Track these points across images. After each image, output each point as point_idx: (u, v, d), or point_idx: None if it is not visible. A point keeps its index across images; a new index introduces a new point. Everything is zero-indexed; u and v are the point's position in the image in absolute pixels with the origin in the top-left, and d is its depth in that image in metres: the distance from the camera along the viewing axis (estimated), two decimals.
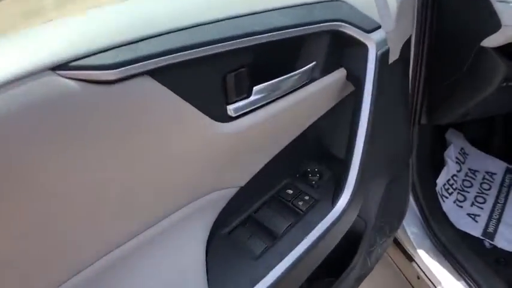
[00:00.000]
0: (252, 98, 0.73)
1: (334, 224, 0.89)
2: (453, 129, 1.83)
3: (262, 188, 0.95)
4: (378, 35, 0.85)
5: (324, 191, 0.97)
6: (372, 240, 1.15)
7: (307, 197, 0.95)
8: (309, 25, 0.76)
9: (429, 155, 1.50)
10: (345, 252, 1.06)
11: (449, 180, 1.65)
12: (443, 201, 1.57)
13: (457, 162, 1.74)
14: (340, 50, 0.87)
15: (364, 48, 0.85)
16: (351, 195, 0.91)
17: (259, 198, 0.94)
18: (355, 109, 0.88)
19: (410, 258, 1.42)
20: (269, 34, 0.70)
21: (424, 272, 1.36)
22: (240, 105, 0.72)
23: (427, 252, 1.37)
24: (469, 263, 1.31)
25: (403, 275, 1.49)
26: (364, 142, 0.88)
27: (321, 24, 0.79)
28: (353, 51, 0.87)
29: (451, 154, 1.72)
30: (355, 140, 0.88)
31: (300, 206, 0.93)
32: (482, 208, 1.64)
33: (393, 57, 0.99)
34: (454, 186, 1.65)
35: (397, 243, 1.46)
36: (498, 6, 1.09)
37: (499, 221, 1.60)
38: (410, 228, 1.43)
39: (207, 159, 0.74)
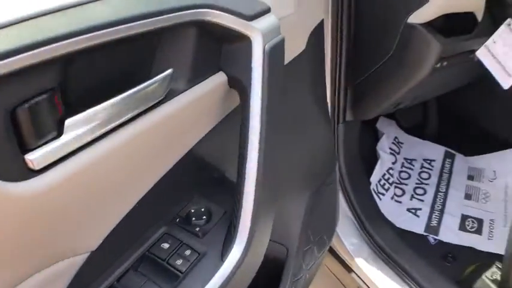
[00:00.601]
0: (66, 136, 0.51)
1: (225, 283, 0.70)
2: (384, 118, 1.74)
3: (126, 245, 0.72)
4: (265, 22, 0.65)
5: (213, 238, 0.74)
6: (297, 268, 1.00)
7: (188, 252, 0.72)
8: (157, 16, 0.56)
9: (359, 152, 1.40)
10: None
11: (384, 175, 1.56)
12: (380, 199, 1.48)
13: (391, 154, 1.66)
14: (214, 47, 0.68)
15: (246, 41, 0.65)
16: (247, 239, 0.71)
17: (123, 261, 0.71)
18: (242, 124, 0.68)
19: (349, 269, 1.33)
20: (90, 35, 0.49)
21: (364, 282, 1.28)
22: (46, 150, 0.49)
23: (366, 260, 1.28)
24: (412, 265, 1.23)
25: (343, 286, 1.40)
26: (258, 164, 0.68)
27: (177, 14, 0.58)
28: (232, 47, 0.68)
29: (383, 146, 1.63)
30: (244, 166, 0.69)
31: (178, 266, 0.70)
32: (422, 200, 1.56)
33: (298, 48, 0.84)
34: (390, 181, 1.57)
35: (335, 253, 1.37)
36: None
37: (442, 212, 1.53)
38: (347, 237, 1.33)
39: (13, 234, 0.51)
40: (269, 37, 0.65)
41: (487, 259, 1.33)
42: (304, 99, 0.95)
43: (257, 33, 0.64)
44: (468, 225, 1.49)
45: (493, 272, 1.25)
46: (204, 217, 0.77)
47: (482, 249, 1.40)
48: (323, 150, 1.10)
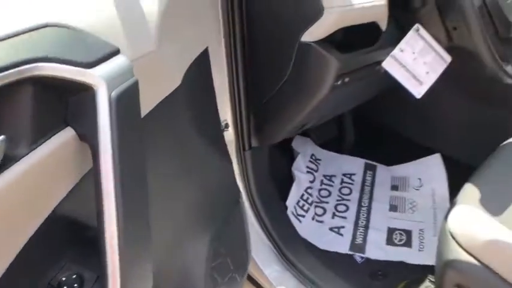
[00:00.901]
0: None
1: None
2: (299, 136, 1.71)
3: None
4: (110, 67, 0.59)
5: None
6: None
7: None
8: None
9: (273, 177, 1.35)
10: None
11: (302, 195, 1.51)
12: (300, 221, 1.42)
13: (309, 172, 1.61)
14: (59, 101, 0.61)
15: (90, 91, 0.59)
16: None
17: None
18: (95, 188, 0.61)
19: None
20: None
21: None
22: None
23: None
24: None
25: None
26: (119, 231, 0.60)
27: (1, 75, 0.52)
28: (77, 99, 0.60)
29: (299, 166, 1.59)
30: (103, 232, 0.61)
31: None
32: (345, 217, 1.51)
33: (172, 84, 0.77)
34: (309, 201, 1.52)
35: (256, 283, 1.31)
36: None
37: (366, 228, 1.48)
38: (267, 266, 1.27)
39: None
40: (117, 82, 0.58)
41: (420, 273, 1.31)
42: (188, 135, 0.89)
43: (99, 81, 0.57)
44: (396, 239, 1.45)
45: (427, 287, 1.24)
46: (76, 285, 0.69)
47: (414, 263, 1.36)
48: (222, 184, 1.05)
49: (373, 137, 1.86)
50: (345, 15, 1.00)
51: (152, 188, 0.64)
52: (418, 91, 1.16)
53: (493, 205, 1.04)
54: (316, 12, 0.96)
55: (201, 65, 0.89)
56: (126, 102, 0.59)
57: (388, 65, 1.13)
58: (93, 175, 0.59)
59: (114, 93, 0.57)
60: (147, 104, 0.67)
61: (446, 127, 1.74)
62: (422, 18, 1.16)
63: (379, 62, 1.15)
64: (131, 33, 0.65)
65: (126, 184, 0.59)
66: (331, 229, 1.46)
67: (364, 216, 1.52)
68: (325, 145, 1.76)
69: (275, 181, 1.37)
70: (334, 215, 1.52)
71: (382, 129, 1.83)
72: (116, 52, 0.60)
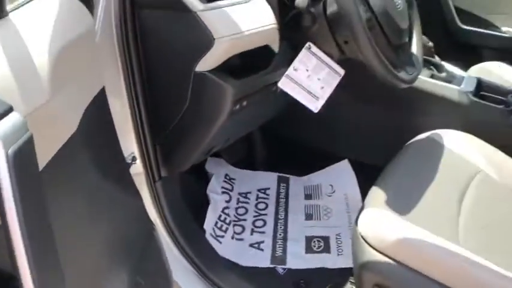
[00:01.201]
0: None
1: None
2: (211, 158, 1.73)
3: None
4: (2, 126, 0.59)
5: None
6: None
7: None
8: None
9: (187, 205, 1.37)
10: None
11: (220, 216, 1.54)
12: (220, 242, 1.44)
13: (224, 193, 1.64)
14: None
15: None
16: None
17: None
18: (5, 238, 0.60)
19: None
20: None
21: None
22: None
23: None
24: None
25: None
26: (33, 277, 0.59)
27: None
28: None
29: (214, 187, 1.62)
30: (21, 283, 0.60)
31: None
32: (264, 232, 1.56)
33: (68, 131, 0.77)
34: (227, 221, 1.55)
35: None
36: (206, 16, 1.00)
37: (285, 239, 1.53)
38: None
39: None
40: (13, 140, 0.58)
41: (342, 276, 1.37)
42: (92, 176, 0.88)
43: None
44: (314, 246, 1.51)
45: None
46: None
47: (335, 267, 1.42)
48: (133, 219, 1.05)
49: (283, 150, 1.91)
50: (236, 42, 1.05)
51: (62, 235, 0.64)
52: (315, 106, 1.23)
53: (399, 205, 1.12)
54: (207, 43, 1.01)
55: (98, 105, 0.88)
56: (23, 158, 0.59)
57: (284, 84, 1.18)
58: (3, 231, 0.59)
59: (10, 151, 0.57)
60: (45, 154, 0.67)
61: (351, 133, 1.82)
62: (313, 36, 1.21)
63: (276, 83, 1.20)
64: (23, 88, 0.65)
65: (34, 237, 0.59)
66: (251, 245, 1.49)
67: (282, 228, 1.57)
68: (238, 163, 1.80)
69: (191, 206, 1.38)
70: (252, 231, 1.55)
71: (292, 141, 1.89)
72: (9, 110, 0.59)
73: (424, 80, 1.58)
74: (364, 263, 1.04)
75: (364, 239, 1.05)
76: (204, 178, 1.66)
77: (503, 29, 2.74)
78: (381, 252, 1.02)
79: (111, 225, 0.90)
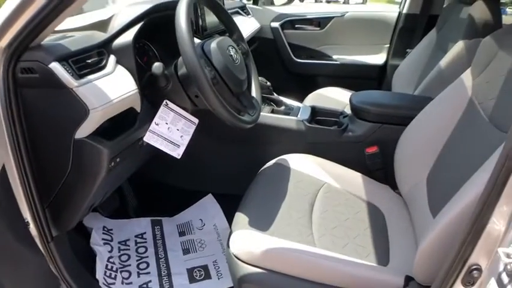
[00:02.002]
0: None
1: None
2: (89, 213, 1.83)
3: None
4: None
5: None
6: None
7: None
8: None
9: (79, 259, 1.46)
10: None
11: (107, 265, 1.65)
12: None
13: (106, 244, 1.76)
14: None
15: None
16: None
17: None
18: None
19: None
20: None
21: None
22: None
23: None
24: None
25: None
26: None
27: None
28: None
29: (96, 240, 1.73)
30: None
31: None
32: (149, 273, 1.71)
33: None
34: (114, 268, 1.66)
35: None
36: (81, 91, 1.14)
37: (169, 275, 1.70)
38: None
39: None
40: None
41: None
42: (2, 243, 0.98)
43: None
44: (196, 276, 1.71)
45: None
46: None
47: None
48: (40, 276, 1.16)
49: (152, 195, 2.08)
50: (107, 110, 1.20)
51: None
52: (177, 153, 1.44)
53: (261, 223, 1.32)
54: (83, 114, 1.15)
55: (2, 178, 1.00)
56: None
57: (149, 138, 1.38)
58: None
59: None
60: None
61: (211, 170, 2.05)
62: (169, 94, 1.42)
63: (142, 138, 1.39)
64: None
65: None
66: (140, 287, 1.63)
67: (164, 266, 1.73)
68: (113, 215, 1.92)
69: (83, 260, 1.48)
70: (138, 274, 1.69)
71: (159, 185, 2.06)
72: None
73: (267, 116, 1.86)
74: (240, 277, 1.22)
75: (237, 257, 1.23)
76: (86, 233, 1.77)
77: (334, 57, 3.27)
78: (253, 265, 1.22)
79: (20, 284, 1.00)
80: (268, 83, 2.09)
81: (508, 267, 0.76)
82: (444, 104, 1.48)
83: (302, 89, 2.92)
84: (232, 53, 1.46)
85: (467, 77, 1.43)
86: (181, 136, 1.46)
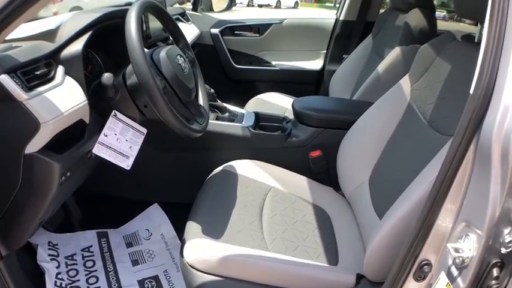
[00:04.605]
0: None
1: None
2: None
3: None
4: None
5: None
6: None
7: None
8: None
9: (29, 278, 1.47)
10: None
11: (56, 282, 1.64)
12: None
13: (52, 260, 1.75)
14: None
15: None
16: None
17: None
18: None
19: None
20: None
21: None
22: None
23: None
24: None
25: None
26: None
27: None
28: None
29: (42, 257, 1.71)
30: None
31: None
32: (99, 287, 1.72)
33: None
34: (64, 285, 1.66)
35: None
36: (31, 104, 1.13)
37: None
38: None
39: None
40: None
41: None
42: None
43: None
44: (148, 286, 1.74)
45: None
46: None
47: None
48: None
49: (97, 207, 2.08)
50: (58, 123, 1.19)
51: None
52: (126, 164, 1.45)
53: (213, 231, 1.35)
54: (33, 128, 1.14)
55: None
56: None
57: (98, 150, 1.38)
58: None
59: None
60: None
61: (159, 179, 2.08)
62: (117, 104, 1.42)
63: (91, 150, 1.39)
64: None
65: None
66: None
67: (114, 279, 1.74)
68: (58, 229, 1.90)
69: (33, 279, 1.48)
70: None
71: (103, 197, 2.05)
72: None
73: (212, 123, 1.90)
74: (197, 287, 1.26)
75: (192, 266, 1.27)
76: (32, 250, 1.75)
77: (273, 63, 3.37)
78: (208, 273, 1.26)
79: None
80: (212, 90, 2.16)
81: (457, 260, 0.85)
82: (384, 108, 1.59)
83: (243, 95, 3.00)
84: (180, 62, 1.50)
85: (405, 82, 1.55)
86: (130, 147, 1.48)
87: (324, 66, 3.32)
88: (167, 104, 1.31)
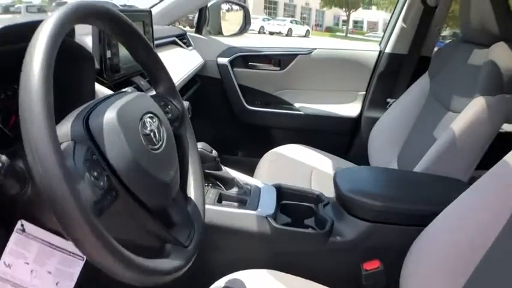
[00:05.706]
0: None
1: None
2: None
3: None
4: None
5: None
6: None
7: None
8: None
9: None
10: None
11: None
12: None
13: None
14: None
15: None
16: None
17: None
18: None
19: None
20: None
21: None
22: None
23: None
24: None
25: None
26: None
27: None
28: None
29: None
30: None
31: None
32: None
33: None
34: None
35: None
36: None
37: None
38: None
39: None
40: None
41: None
42: None
43: None
44: None
45: None
46: None
47: None
48: None
49: None
50: None
51: None
52: None
53: None
54: None
55: None
56: None
57: None
58: None
59: None
60: None
61: None
62: (27, 207, 0.81)
63: None
64: None
65: None
66: None
67: None
68: None
69: None
70: None
71: None
72: None
73: (212, 210, 1.34)
74: None
75: None
76: None
77: (297, 105, 2.85)
78: None
79: None
80: (214, 152, 1.48)
81: None
82: None
83: (255, 146, 2.56)
84: (148, 129, 0.84)
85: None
86: (57, 283, 0.86)
87: (361, 113, 2.79)
88: (100, 232, 0.67)
